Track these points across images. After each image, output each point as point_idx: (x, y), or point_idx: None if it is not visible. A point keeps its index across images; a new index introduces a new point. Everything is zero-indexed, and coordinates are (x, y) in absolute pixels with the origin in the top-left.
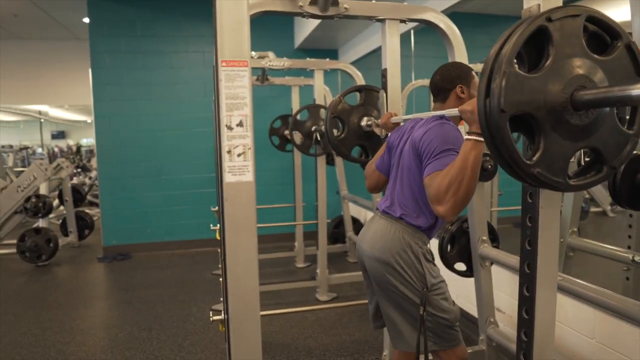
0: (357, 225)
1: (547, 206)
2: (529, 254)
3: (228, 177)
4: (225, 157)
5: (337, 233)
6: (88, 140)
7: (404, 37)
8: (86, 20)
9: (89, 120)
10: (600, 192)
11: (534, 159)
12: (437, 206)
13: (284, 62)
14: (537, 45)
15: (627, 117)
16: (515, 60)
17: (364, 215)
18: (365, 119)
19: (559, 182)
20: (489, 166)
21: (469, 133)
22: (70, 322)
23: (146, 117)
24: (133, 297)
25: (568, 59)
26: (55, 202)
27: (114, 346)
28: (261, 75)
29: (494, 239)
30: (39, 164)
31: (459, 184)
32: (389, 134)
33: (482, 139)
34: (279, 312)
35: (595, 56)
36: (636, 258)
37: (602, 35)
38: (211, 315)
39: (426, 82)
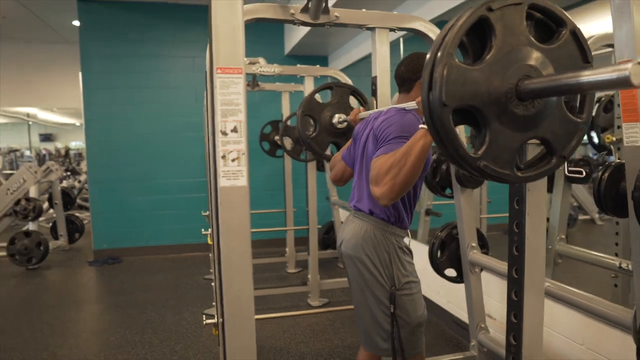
0: None
1: (534, 213)
2: (516, 259)
3: (223, 182)
4: (220, 162)
5: (327, 239)
6: (77, 143)
7: (394, 45)
8: (76, 23)
9: (77, 124)
10: (588, 200)
11: (480, 152)
12: (374, 187)
13: (275, 69)
14: (480, 37)
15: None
16: (459, 52)
17: None
18: (336, 116)
19: (507, 174)
20: None
21: (423, 122)
22: (62, 325)
23: (136, 121)
24: (124, 301)
25: (512, 49)
26: (45, 205)
27: (106, 350)
28: (252, 81)
29: (483, 245)
30: (28, 167)
31: (400, 168)
32: (356, 125)
33: None
34: (271, 316)
35: (541, 45)
36: (623, 265)
37: (548, 23)
38: (204, 318)
39: None
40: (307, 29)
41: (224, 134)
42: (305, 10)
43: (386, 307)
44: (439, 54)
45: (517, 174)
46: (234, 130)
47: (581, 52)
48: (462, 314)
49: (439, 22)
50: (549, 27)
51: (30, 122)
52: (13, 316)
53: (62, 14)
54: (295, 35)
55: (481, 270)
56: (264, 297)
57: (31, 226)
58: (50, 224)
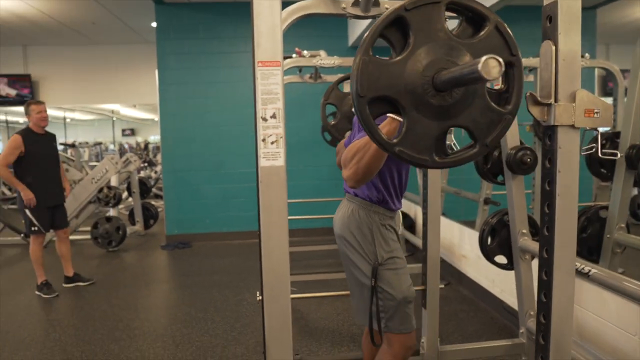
0: (407, 220)
1: (564, 194)
2: (546, 239)
3: (263, 162)
4: (261, 144)
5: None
6: (155, 138)
7: None
8: (154, 24)
9: (156, 119)
10: None
11: (396, 139)
12: (343, 169)
13: (335, 61)
14: (403, 33)
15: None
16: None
17: (414, 210)
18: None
19: (424, 159)
20: (528, 160)
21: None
22: (135, 301)
23: (207, 114)
24: (191, 282)
25: (430, 44)
26: (124, 194)
27: (172, 324)
28: (314, 73)
29: (535, 232)
30: (110, 158)
31: (364, 153)
32: None
33: (398, 117)
34: (325, 295)
35: (463, 40)
36: None
37: (475, 19)
38: (258, 294)
39: None
40: (368, 21)
41: (264, 119)
42: (356, 3)
43: (370, 280)
44: (357, 53)
45: (435, 159)
46: (273, 116)
47: (506, 45)
48: (513, 301)
49: (503, 7)
50: (477, 22)
51: (114, 118)
52: (95, 291)
53: (142, 16)
54: (358, 28)
55: (532, 258)
56: (323, 282)
57: (112, 212)
58: (128, 211)
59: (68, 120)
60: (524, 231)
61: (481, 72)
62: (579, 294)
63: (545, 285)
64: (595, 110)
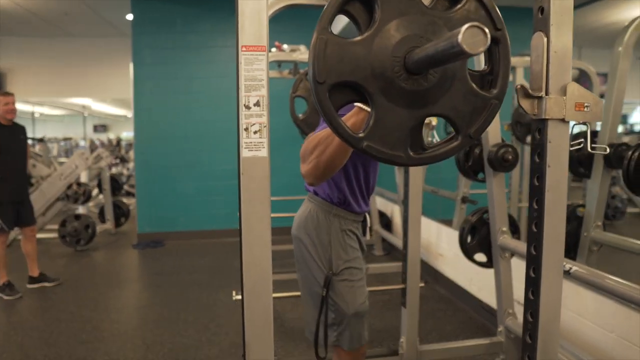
0: (384, 218)
1: (554, 189)
2: (535, 236)
3: (245, 153)
4: (243, 134)
5: (363, 226)
6: (128, 134)
7: None
8: (130, 17)
9: (129, 115)
10: None
11: (363, 132)
12: (302, 164)
13: None
14: (368, 7)
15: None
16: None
17: (390, 209)
18: None
19: (397, 155)
20: (510, 157)
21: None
22: (104, 301)
23: (183, 110)
24: (164, 281)
25: (400, 19)
26: (95, 191)
27: (143, 325)
28: (293, 68)
29: (514, 230)
30: (80, 154)
31: (326, 146)
32: None
33: (366, 107)
34: (296, 294)
35: (440, 13)
36: None
37: None
38: (234, 294)
39: None
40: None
41: (247, 107)
42: None
43: (322, 290)
44: (314, 31)
45: (410, 154)
46: (257, 104)
47: (490, 18)
48: (490, 300)
49: None
50: None
51: (85, 114)
52: (62, 292)
53: (118, 8)
54: (340, 22)
55: (511, 256)
56: (295, 281)
57: (80, 210)
58: (98, 209)
59: (37, 115)
60: (504, 229)
61: (462, 45)
62: None
63: (533, 283)
64: (586, 104)
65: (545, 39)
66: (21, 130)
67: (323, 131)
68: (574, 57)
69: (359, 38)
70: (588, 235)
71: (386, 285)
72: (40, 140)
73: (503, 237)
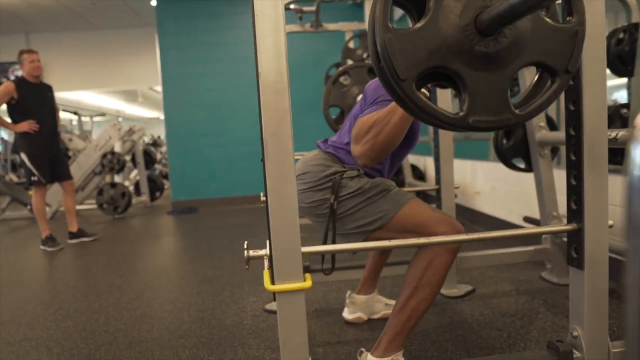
0: (417, 172)
1: (591, 85)
2: (573, 139)
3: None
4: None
5: (396, 180)
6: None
7: None
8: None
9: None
10: None
11: (464, 109)
12: (355, 145)
13: None
14: None
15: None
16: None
17: (423, 162)
18: (360, 96)
19: (505, 118)
20: None
21: None
22: (141, 249)
23: (209, 78)
24: (197, 235)
25: None
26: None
27: (177, 263)
28: (315, 20)
29: (553, 128)
30: (113, 125)
31: (383, 127)
32: None
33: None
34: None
35: None
36: None
37: None
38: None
39: None
40: None
41: None
42: None
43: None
44: (375, 29)
45: (516, 112)
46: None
47: None
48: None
49: None
50: None
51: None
52: (100, 245)
53: None
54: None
55: (553, 157)
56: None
57: (116, 179)
58: (133, 184)
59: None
60: (542, 124)
61: None
62: None
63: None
64: None
65: None
66: (48, 88)
67: (378, 112)
68: None
69: (422, 22)
70: None
71: None
72: (75, 113)
73: (541, 133)
